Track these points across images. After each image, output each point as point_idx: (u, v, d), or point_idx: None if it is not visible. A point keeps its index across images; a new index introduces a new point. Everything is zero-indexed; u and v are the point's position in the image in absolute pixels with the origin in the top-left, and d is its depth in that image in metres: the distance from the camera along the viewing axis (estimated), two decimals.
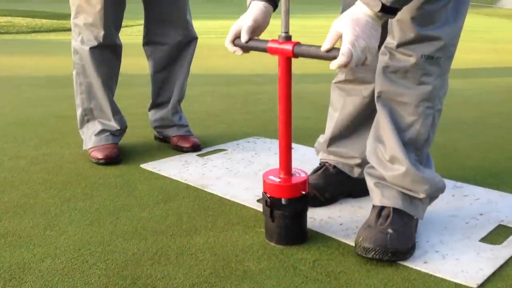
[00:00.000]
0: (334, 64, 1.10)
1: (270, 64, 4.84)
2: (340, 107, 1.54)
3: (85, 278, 1.16)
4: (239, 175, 1.82)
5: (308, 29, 8.98)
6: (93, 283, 1.15)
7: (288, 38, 1.23)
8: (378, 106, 1.31)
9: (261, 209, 1.51)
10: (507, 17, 15.52)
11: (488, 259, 1.23)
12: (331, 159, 1.59)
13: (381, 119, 1.31)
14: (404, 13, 1.20)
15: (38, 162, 1.97)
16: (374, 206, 1.34)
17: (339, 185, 1.57)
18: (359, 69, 1.35)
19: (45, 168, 1.90)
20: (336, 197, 1.57)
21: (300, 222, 1.33)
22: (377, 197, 1.33)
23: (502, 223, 1.44)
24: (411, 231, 1.29)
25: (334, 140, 1.57)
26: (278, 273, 1.19)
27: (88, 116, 2.04)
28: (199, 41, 2.22)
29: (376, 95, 1.31)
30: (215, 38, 8.18)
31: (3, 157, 2.04)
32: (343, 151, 1.56)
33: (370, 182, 1.37)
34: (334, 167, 1.58)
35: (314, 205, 1.51)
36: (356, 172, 1.57)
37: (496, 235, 1.37)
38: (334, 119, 1.55)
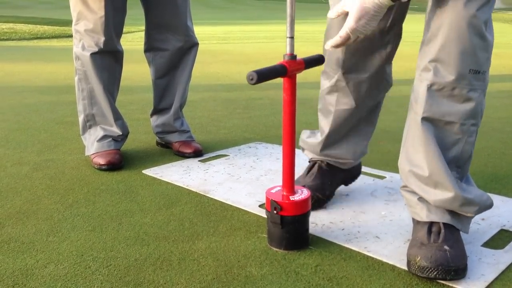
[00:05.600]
0: (328, 44, 1.24)
1: None
2: (332, 111, 1.55)
3: (88, 284, 1.16)
4: (241, 180, 1.82)
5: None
6: None
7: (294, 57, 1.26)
8: (423, 128, 1.22)
9: (263, 214, 1.52)
10: (508, 22, 15.53)
11: (490, 265, 1.23)
12: (323, 159, 1.62)
13: (424, 140, 1.22)
14: (463, 21, 1.14)
15: (40, 168, 1.98)
16: (419, 222, 1.27)
17: (334, 179, 1.62)
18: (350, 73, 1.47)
19: (48, 174, 1.91)
20: (334, 190, 1.63)
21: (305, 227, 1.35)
22: (423, 212, 1.26)
23: (504, 227, 1.44)
24: (463, 246, 1.24)
25: (327, 145, 1.59)
26: (280, 278, 1.19)
27: (90, 122, 2.05)
28: (200, 47, 2.23)
29: (421, 116, 1.22)
30: (217, 44, 8.20)
31: (5, 163, 2.05)
32: (337, 153, 1.59)
33: (412, 198, 1.29)
34: (327, 164, 1.62)
35: (318, 206, 1.55)
36: (346, 165, 1.63)
37: (498, 240, 1.37)
38: (327, 125, 1.56)
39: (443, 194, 1.22)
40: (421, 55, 1.24)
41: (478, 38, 1.15)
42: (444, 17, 1.16)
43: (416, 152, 1.25)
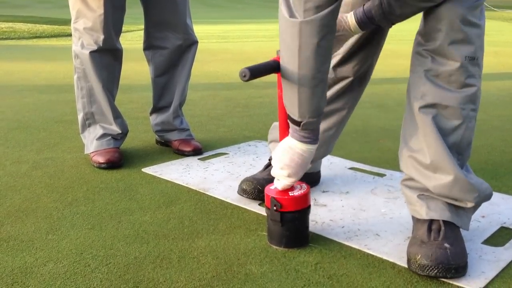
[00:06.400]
0: None
1: None
2: None
3: (87, 282, 1.16)
4: (240, 178, 1.82)
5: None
6: (95, 287, 1.15)
7: None
8: (421, 112, 1.23)
9: (262, 213, 1.51)
10: (507, 20, 15.52)
11: (491, 262, 1.23)
12: None
13: (423, 125, 1.24)
14: (455, 13, 1.17)
15: (40, 167, 1.97)
16: (419, 220, 1.27)
17: None
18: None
19: (47, 173, 1.91)
20: None
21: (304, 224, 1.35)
22: (423, 210, 1.26)
23: (504, 225, 1.43)
24: (464, 243, 1.24)
25: None
26: (280, 276, 1.19)
27: (90, 120, 2.04)
28: (200, 45, 2.22)
29: (419, 101, 1.24)
30: (216, 42, 8.20)
31: (5, 161, 2.04)
32: None
33: (412, 195, 1.29)
34: None
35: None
36: None
37: (498, 237, 1.36)
38: None
39: (443, 178, 1.22)
40: (417, 43, 1.26)
41: (472, 27, 1.19)
42: (439, 11, 1.18)
43: (416, 137, 1.26)
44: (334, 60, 1.54)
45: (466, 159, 1.29)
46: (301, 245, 1.33)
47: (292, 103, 1.24)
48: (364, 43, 1.49)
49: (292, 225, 1.31)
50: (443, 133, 1.23)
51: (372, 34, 1.47)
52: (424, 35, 1.23)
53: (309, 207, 1.34)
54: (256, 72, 1.18)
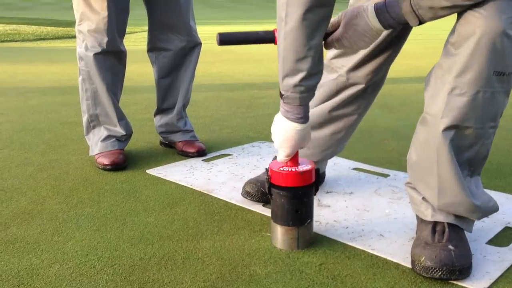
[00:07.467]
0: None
1: (273, 68, 4.85)
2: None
3: (93, 283, 1.17)
4: (244, 179, 1.82)
5: None
6: None
7: None
8: (441, 134, 1.16)
9: (266, 213, 1.52)
10: None
11: (495, 262, 1.23)
12: None
13: (437, 146, 1.18)
14: (493, 22, 1.07)
15: (45, 169, 1.98)
16: (423, 221, 1.27)
17: None
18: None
19: (52, 175, 1.91)
20: None
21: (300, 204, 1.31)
22: (428, 212, 1.25)
23: (508, 225, 1.43)
24: (468, 244, 1.24)
25: None
26: (285, 277, 1.19)
27: (94, 122, 2.05)
28: (203, 46, 2.23)
29: (440, 121, 1.16)
30: None
31: (10, 164, 2.05)
32: (306, 152, 1.59)
33: (417, 196, 1.28)
34: None
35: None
36: None
37: (503, 238, 1.36)
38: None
39: (449, 198, 1.21)
40: (446, 55, 1.17)
41: (508, 41, 1.09)
42: (475, 23, 1.09)
43: (427, 153, 1.21)
44: (350, 63, 1.49)
45: (478, 171, 1.25)
46: (288, 225, 1.30)
47: (279, 73, 1.24)
48: (381, 50, 1.45)
49: (279, 201, 1.30)
50: (458, 151, 1.18)
51: (391, 40, 1.43)
52: (455, 43, 1.13)
53: (299, 188, 1.29)
54: (228, 37, 1.23)
